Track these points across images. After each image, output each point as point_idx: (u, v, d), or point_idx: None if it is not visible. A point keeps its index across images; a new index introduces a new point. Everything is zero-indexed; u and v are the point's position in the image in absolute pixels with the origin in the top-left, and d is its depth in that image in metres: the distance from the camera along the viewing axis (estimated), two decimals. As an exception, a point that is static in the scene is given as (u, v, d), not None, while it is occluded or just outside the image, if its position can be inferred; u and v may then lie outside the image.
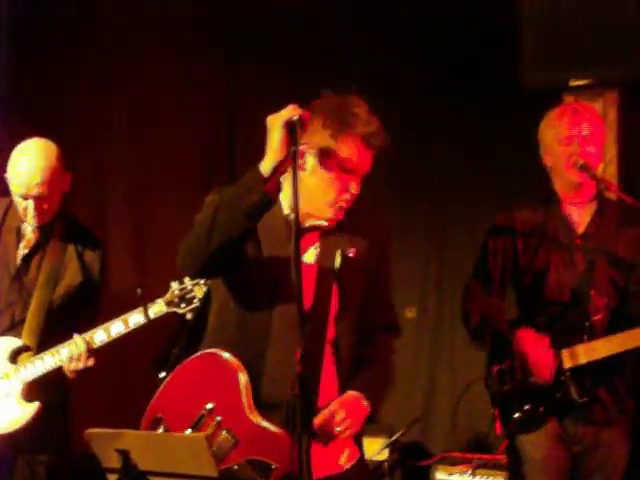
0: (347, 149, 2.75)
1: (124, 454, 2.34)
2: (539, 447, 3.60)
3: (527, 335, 3.58)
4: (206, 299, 3.19)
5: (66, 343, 3.70)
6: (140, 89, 5.62)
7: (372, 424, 3.07)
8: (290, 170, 2.58)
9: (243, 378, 2.75)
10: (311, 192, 2.79)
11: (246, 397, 2.73)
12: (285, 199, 2.87)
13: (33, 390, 3.78)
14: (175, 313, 3.61)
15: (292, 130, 2.56)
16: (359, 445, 2.95)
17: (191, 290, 3.56)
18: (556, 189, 3.74)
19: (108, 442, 2.38)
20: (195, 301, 3.55)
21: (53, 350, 3.72)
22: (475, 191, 5.16)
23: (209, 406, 2.74)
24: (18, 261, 3.90)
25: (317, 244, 2.87)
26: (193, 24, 5.68)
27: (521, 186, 3.96)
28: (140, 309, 3.63)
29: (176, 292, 3.58)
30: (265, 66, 5.56)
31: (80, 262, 3.92)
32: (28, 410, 3.75)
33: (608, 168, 4.73)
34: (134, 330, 3.68)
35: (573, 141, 3.60)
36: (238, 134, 5.77)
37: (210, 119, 5.84)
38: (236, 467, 2.68)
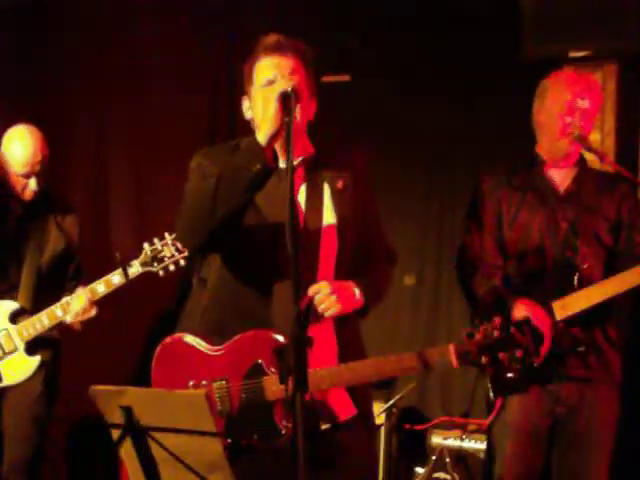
0: (260, 68, 2.86)
1: (127, 410, 2.41)
2: (520, 410, 3.59)
3: (527, 303, 3.53)
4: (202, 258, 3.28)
5: (58, 304, 4.12)
6: (141, 55, 5.67)
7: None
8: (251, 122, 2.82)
9: (189, 338, 2.88)
10: (258, 122, 2.85)
11: (201, 346, 2.85)
12: None
13: (33, 346, 4.20)
14: (150, 272, 3.96)
15: (286, 101, 2.65)
16: (360, 405, 2.93)
17: (161, 250, 3.91)
18: (540, 149, 3.74)
19: (111, 399, 2.43)
20: (166, 259, 3.89)
21: (48, 311, 4.13)
22: (475, 160, 5.19)
23: (191, 383, 2.83)
24: (10, 233, 4.27)
25: (304, 183, 2.92)
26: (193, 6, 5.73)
27: (523, 155, 4.00)
28: (120, 271, 4.01)
29: (148, 253, 3.94)
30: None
31: (60, 230, 4.32)
32: (32, 363, 4.21)
33: (606, 140, 4.77)
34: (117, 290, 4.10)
35: (575, 112, 3.60)
36: (239, 99, 5.80)
37: (211, 84, 5.87)
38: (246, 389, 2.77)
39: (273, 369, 2.76)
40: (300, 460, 2.25)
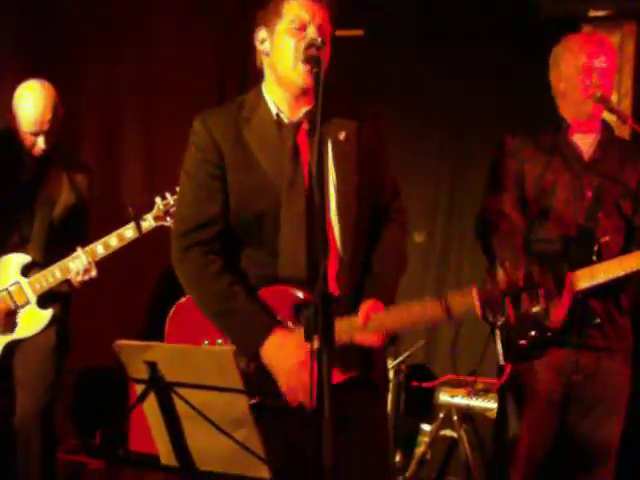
0: (290, 10, 2.75)
1: (152, 366, 2.39)
2: (534, 376, 3.56)
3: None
4: None
5: (71, 257, 4.12)
6: (149, 5, 5.61)
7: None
8: (263, 57, 2.84)
9: None
10: (276, 68, 2.80)
11: None
12: (271, 94, 2.85)
13: (45, 299, 4.21)
14: (163, 226, 4.06)
15: (316, 49, 2.62)
16: (363, 368, 2.83)
17: (174, 204, 3.98)
18: (564, 113, 3.68)
19: (136, 354, 2.41)
20: None
21: (61, 264, 4.13)
22: (490, 117, 5.18)
23: (206, 342, 2.82)
24: (23, 188, 4.26)
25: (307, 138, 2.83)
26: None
27: (536, 113, 3.97)
28: (132, 225, 4.07)
29: (161, 207, 4.04)
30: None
31: (71, 185, 4.31)
32: (44, 316, 4.22)
33: (623, 101, 4.74)
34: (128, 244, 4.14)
35: (593, 72, 3.54)
36: (251, 49, 5.74)
37: (223, 34, 5.82)
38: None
39: (291, 324, 2.74)
40: (327, 418, 2.24)
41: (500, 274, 2.59)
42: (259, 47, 2.87)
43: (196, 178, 2.87)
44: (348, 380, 2.76)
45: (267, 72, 2.88)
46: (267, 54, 2.84)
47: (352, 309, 2.76)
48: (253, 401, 2.54)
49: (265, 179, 2.79)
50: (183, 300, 2.94)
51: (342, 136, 2.82)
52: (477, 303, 2.59)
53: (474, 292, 2.60)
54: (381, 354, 2.94)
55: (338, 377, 2.69)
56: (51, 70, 4.62)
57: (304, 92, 2.79)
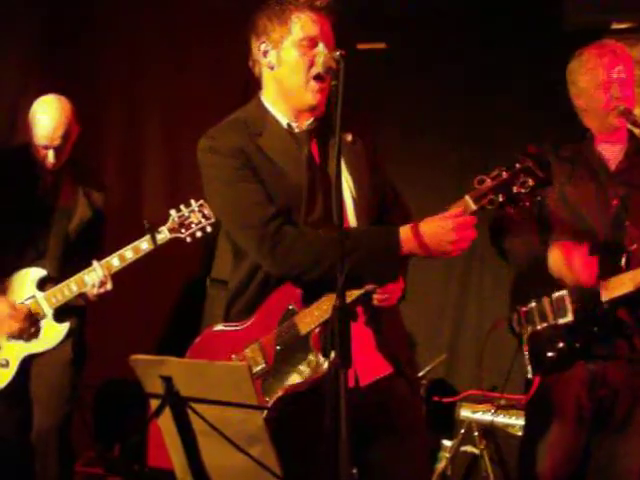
0: (299, 25, 2.76)
1: (167, 380, 2.37)
2: (563, 390, 3.50)
3: (564, 245, 3.45)
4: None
5: (86, 270, 4.11)
6: (174, 15, 5.62)
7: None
8: (265, 69, 2.83)
9: (218, 326, 2.91)
10: (285, 83, 2.81)
11: (230, 326, 2.88)
12: (275, 106, 2.86)
13: (61, 313, 4.21)
14: (178, 238, 4.06)
15: (336, 62, 2.60)
16: (395, 362, 2.86)
17: (189, 217, 4.03)
18: (588, 125, 3.63)
19: (151, 368, 2.40)
20: (193, 226, 4.00)
21: (77, 277, 4.12)
22: (509, 134, 5.14)
23: None
24: (38, 202, 4.27)
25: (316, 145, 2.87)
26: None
27: (562, 123, 3.94)
28: (148, 237, 4.07)
29: (175, 219, 4.05)
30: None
31: (88, 200, 4.33)
32: (61, 330, 4.21)
33: (647, 113, 4.68)
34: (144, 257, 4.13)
35: (612, 85, 3.50)
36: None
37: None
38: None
39: (304, 309, 2.73)
40: (344, 439, 2.23)
41: (486, 179, 2.70)
42: (261, 59, 2.87)
43: (238, 184, 2.81)
44: (382, 378, 2.80)
45: (269, 84, 2.88)
46: (271, 67, 2.84)
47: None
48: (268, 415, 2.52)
49: (291, 183, 2.78)
50: (197, 339, 2.94)
51: (349, 138, 2.84)
52: (469, 199, 2.69)
53: (466, 196, 2.70)
54: (405, 349, 3.00)
55: (369, 377, 2.76)
56: (74, 85, 4.64)
57: (311, 108, 2.82)
